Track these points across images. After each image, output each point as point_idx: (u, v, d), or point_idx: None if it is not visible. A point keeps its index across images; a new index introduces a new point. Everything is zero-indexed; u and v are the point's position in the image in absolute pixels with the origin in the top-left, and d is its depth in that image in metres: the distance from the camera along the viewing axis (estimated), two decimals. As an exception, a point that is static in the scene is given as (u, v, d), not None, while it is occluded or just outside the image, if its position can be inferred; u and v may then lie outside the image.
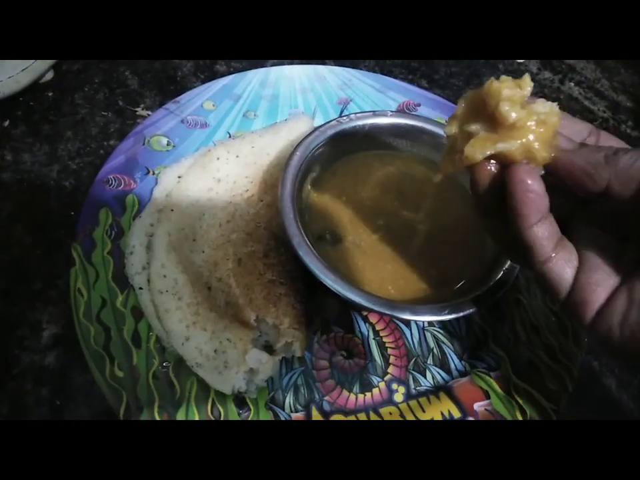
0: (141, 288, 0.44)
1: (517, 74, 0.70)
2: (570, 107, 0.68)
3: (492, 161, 0.32)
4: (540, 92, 0.69)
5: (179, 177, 0.50)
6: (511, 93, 0.31)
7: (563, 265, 0.31)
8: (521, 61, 0.73)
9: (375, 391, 0.44)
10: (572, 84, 0.71)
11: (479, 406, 0.43)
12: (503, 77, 0.32)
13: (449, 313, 0.42)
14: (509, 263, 0.45)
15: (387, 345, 0.47)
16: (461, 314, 0.42)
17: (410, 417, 0.42)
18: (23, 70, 0.53)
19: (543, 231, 0.30)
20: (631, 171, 0.28)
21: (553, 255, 0.31)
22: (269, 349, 0.44)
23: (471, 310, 0.42)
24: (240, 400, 0.42)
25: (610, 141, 0.33)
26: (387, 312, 0.41)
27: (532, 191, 0.30)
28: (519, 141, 0.31)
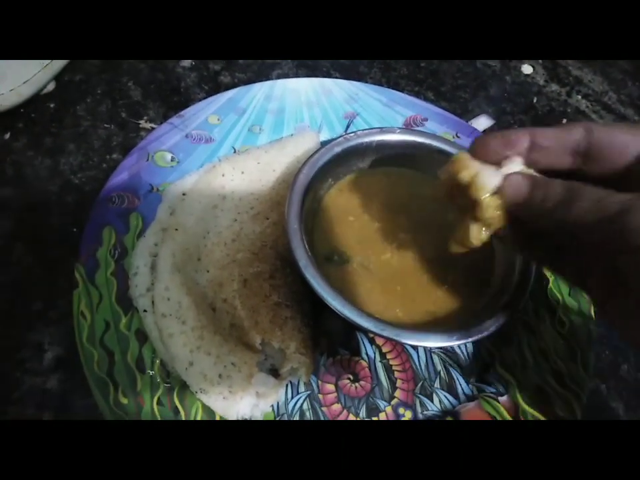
0: (145, 310, 0.43)
1: (524, 86, 0.70)
2: (577, 120, 0.68)
3: None
4: (547, 105, 0.69)
5: (184, 194, 0.49)
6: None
7: None
8: (529, 72, 0.72)
9: (382, 415, 0.44)
10: (579, 97, 0.70)
11: (487, 432, 0.42)
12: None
13: (458, 339, 0.41)
14: (516, 286, 0.44)
15: (393, 367, 0.46)
16: (470, 339, 0.42)
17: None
18: (24, 82, 0.52)
19: None
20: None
21: None
22: (274, 372, 0.43)
23: (479, 336, 0.42)
24: (245, 426, 0.41)
25: (601, 136, 0.32)
26: (395, 338, 0.40)
27: None
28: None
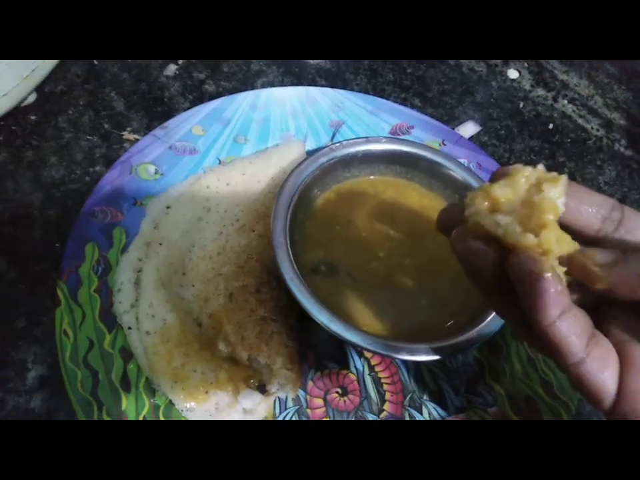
0: (130, 327, 0.43)
1: (510, 91, 0.70)
2: (564, 125, 0.68)
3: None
4: (533, 110, 0.69)
5: (168, 207, 0.49)
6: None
7: (600, 367, 0.26)
8: (515, 77, 0.72)
9: (371, 428, 0.43)
10: (565, 101, 0.70)
11: (476, 444, 0.42)
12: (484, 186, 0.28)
13: (446, 352, 0.41)
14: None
15: (382, 380, 0.46)
16: (459, 351, 0.42)
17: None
18: (3, 95, 0.51)
19: (568, 327, 0.25)
20: None
21: (585, 355, 0.25)
22: (262, 388, 0.43)
23: (469, 347, 0.41)
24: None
25: (634, 215, 0.29)
26: (382, 352, 0.40)
27: (546, 281, 0.25)
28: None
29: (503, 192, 0.27)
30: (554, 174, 0.27)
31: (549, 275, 0.25)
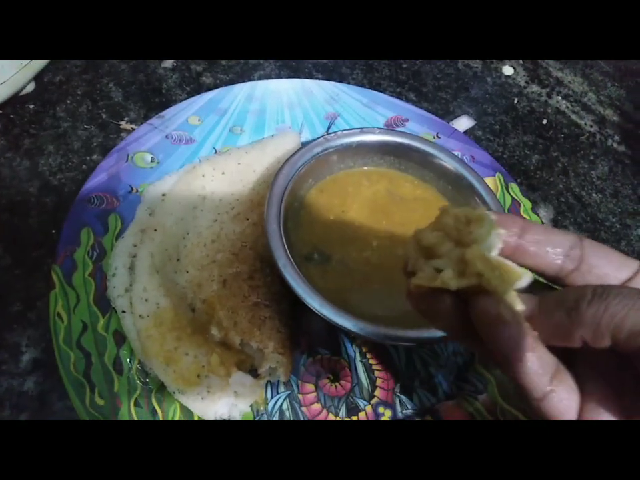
0: (123, 311, 0.43)
1: (505, 87, 0.71)
2: (557, 120, 0.68)
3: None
4: (528, 105, 0.69)
5: (163, 195, 0.49)
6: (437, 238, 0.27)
7: (561, 405, 0.26)
8: (509, 74, 0.72)
9: (362, 414, 0.44)
10: (559, 97, 0.71)
11: (465, 430, 0.43)
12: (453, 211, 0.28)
13: (435, 337, 0.41)
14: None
15: (373, 367, 0.46)
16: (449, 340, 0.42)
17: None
18: (1, 83, 0.52)
19: (531, 366, 0.25)
20: (601, 326, 0.24)
21: (549, 389, 0.26)
22: (253, 372, 0.43)
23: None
24: (224, 426, 0.41)
25: (594, 250, 0.28)
26: (375, 338, 0.40)
27: (504, 327, 0.25)
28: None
29: (432, 236, 0.27)
30: (481, 211, 0.26)
31: (508, 319, 0.24)
